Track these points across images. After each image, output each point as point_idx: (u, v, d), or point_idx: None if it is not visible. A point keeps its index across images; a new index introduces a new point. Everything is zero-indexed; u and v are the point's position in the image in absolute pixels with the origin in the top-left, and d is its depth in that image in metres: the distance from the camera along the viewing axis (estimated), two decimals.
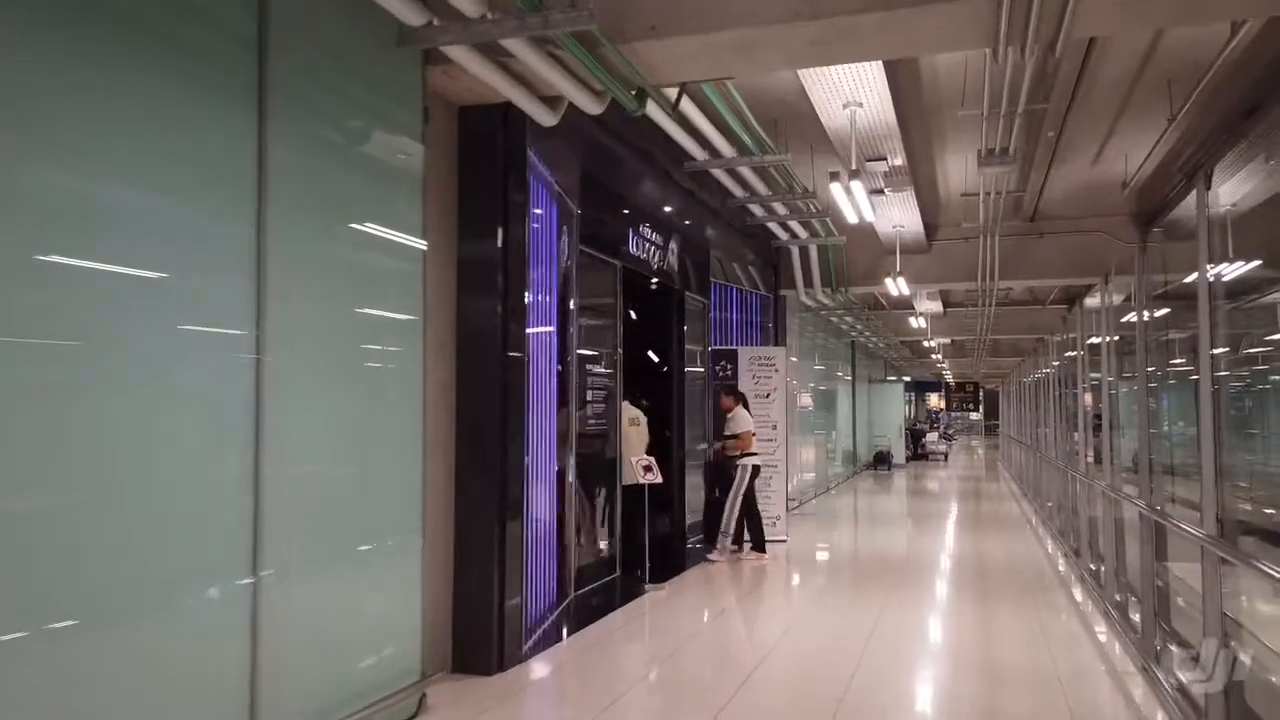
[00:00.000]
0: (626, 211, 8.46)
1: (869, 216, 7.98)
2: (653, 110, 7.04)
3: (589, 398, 7.57)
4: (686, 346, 10.32)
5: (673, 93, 6.20)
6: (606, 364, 8.01)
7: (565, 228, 7.06)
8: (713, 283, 11.27)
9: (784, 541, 10.32)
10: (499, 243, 5.26)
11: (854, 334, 19.35)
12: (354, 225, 3.99)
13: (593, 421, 7.68)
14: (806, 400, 16.31)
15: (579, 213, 7.25)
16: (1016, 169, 9.38)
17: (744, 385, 10.38)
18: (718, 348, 10.67)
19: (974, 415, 54.64)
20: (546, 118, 5.24)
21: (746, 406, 9.35)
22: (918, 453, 28.45)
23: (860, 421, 23.57)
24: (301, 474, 3.60)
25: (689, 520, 10.29)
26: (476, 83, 4.90)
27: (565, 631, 6.40)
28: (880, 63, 6.15)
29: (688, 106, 6.68)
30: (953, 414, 51.04)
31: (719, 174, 8.78)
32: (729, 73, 5.22)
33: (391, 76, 4.34)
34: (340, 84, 3.95)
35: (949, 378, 41.52)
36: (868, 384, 25.83)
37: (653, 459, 7.66)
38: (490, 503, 5.12)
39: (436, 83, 5.00)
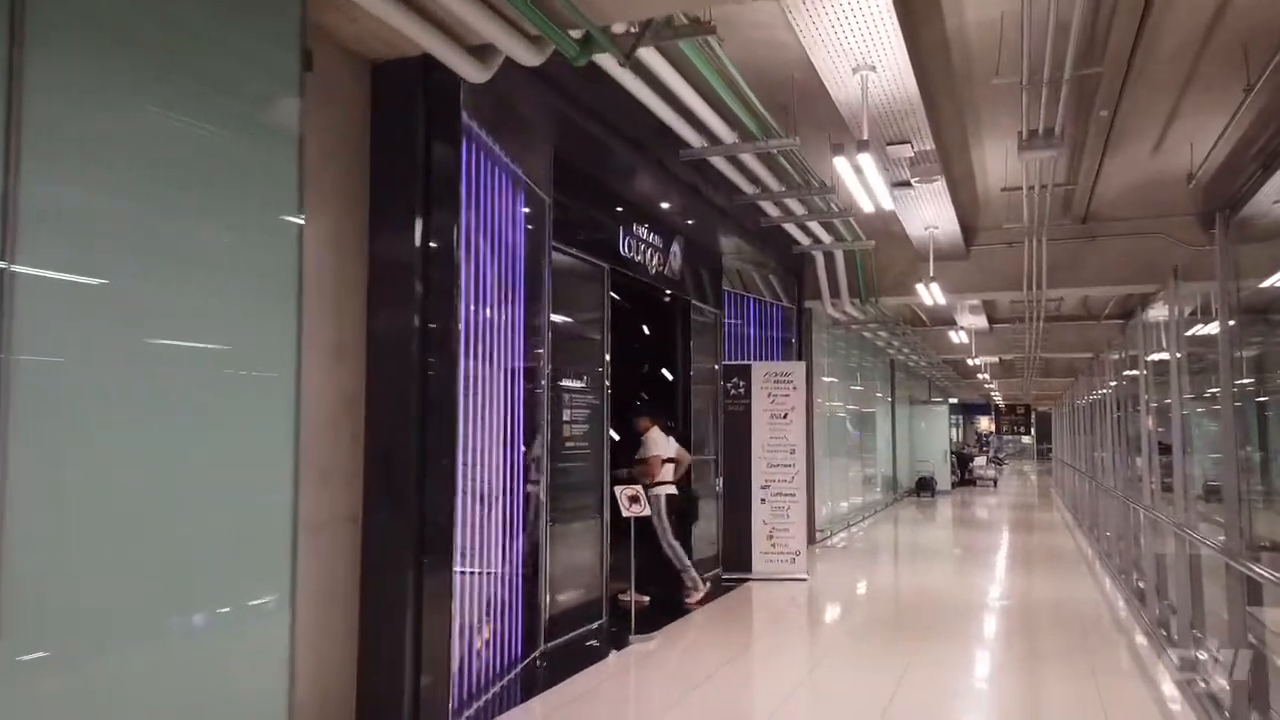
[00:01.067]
0: (616, 208, 7.50)
1: (885, 202, 6.89)
2: (634, 86, 6.11)
3: (566, 417, 6.58)
4: (695, 362, 9.30)
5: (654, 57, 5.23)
6: (591, 380, 7.02)
7: (533, 219, 6.12)
8: (727, 292, 10.26)
9: (803, 580, 9.19)
10: (419, 228, 4.31)
11: (892, 351, 18.12)
12: (177, 194, 3.05)
13: (572, 445, 6.69)
14: (840, 421, 15.15)
15: (551, 203, 6.30)
16: (1064, 155, 8.25)
17: (758, 405, 9.32)
18: (729, 363, 9.63)
19: (1025, 439, 52.64)
20: (474, 72, 4.30)
21: (667, 431, 8.13)
22: (965, 478, 26.97)
23: (901, 445, 22.25)
24: (77, 523, 2.66)
25: (695, 555, 9.21)
26: (386, 28, 3.99)
27: (525, 691, 5.40)
28: (895, 18, 5.13)
29: (672, 78, 5.72)
30: (1003, 437, 49.18)
31: (722, 166, 7.78)
32: (687, 6, 4.25)
33: (257, 4, 3.43)
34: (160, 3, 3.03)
35: (998, 400, 39.79)
36: (909, 405, 24.49)
37: (640, 489, 6.64)
38: (404, 544, 4.15)
39: (340, 30, 4.10)
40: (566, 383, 6.61)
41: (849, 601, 8.83)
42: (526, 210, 6.05)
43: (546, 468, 6.11)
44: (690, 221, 8.61)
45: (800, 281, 11.75)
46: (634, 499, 6.55)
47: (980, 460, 28.85)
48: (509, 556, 5.57)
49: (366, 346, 4.24)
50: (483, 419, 5.06)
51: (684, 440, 9.06)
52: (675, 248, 8.69)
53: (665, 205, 7.99)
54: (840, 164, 6.10)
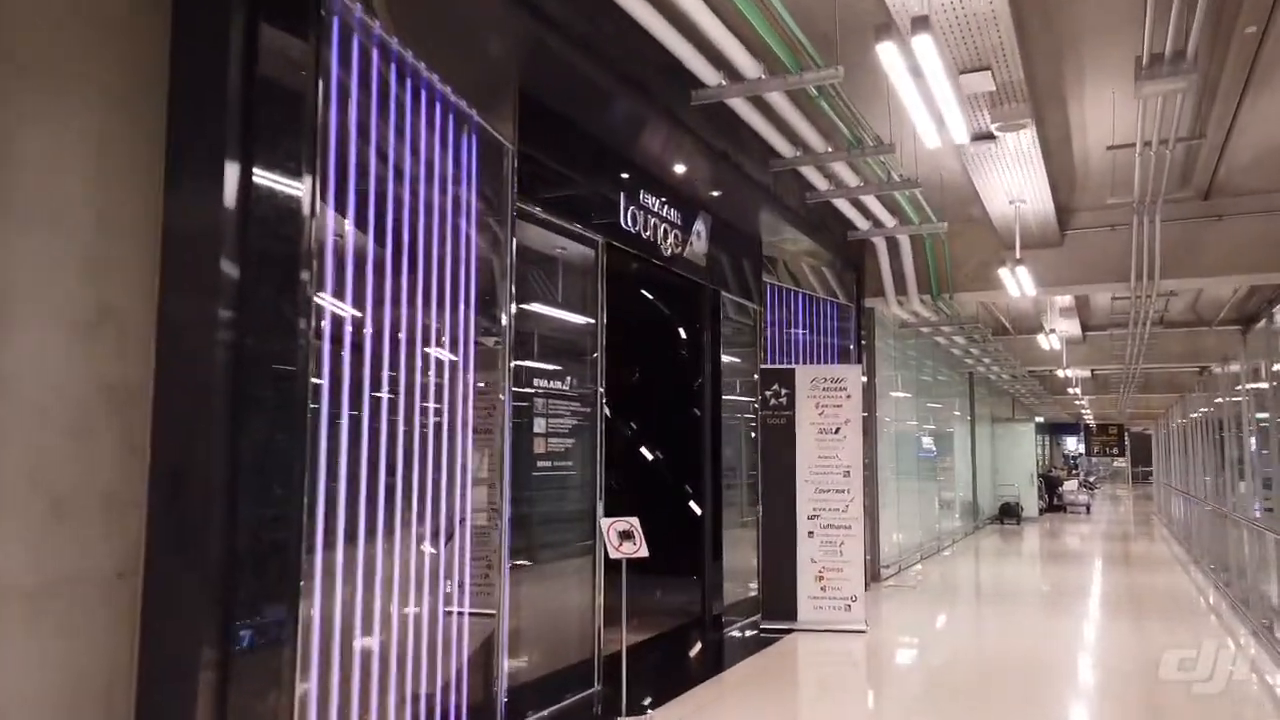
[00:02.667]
0: (613, 168, 6.03)
1: (955, 129, 5.10)
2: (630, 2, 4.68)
3: (539, 429, 5.11)
4: (726, 365, 7.73)
5: None
6: (579, 383, 5.54)
7: (488, 172, 4.68)
8: (770, 285, 8.67)
9: (861, 632, 7.49)
10: (232, 173, 2.87)
11: (970, 360, 16.19)
12: None
13: (549, 465, 5.20)
14: (911, 440, 13.34)
15: (515, 151, 4.85)
16: (1193, 93, 6.48)
17: (804, 416, 7.70)
18: (768, 367, 8.03)
19: (1118, 461, 49.29)
20: None
21: None
22: (1054, 504, 24.60)
23: (982, 467, 20.16)
24: None
25: (729, 599, 7.61)
26: None
27: None
28: None
29: None
30: (1093, 459, 46.02)
31: (753, 120, 6.25)
32: None
33: None
34: None
35: (1089, 418, 36.99)
36: (990, 424, 22.35)
37: (635, 521, 5.09)
38: (199, 607, 2.70)
39: None
40: (540, 385, 5.13)
41: (918, 662, 7.11)
42: (477, 159, 4.61)
43: (506, 492, 4.63)
44: (718, 194, 7.08)
45: (860, 275, 10.08)
46: (626, 534, 5.01)
47: (1071, 484, 26.40)
48: (434, 612, 4.10)
49: (158, 323, 2.82)
50: (381, 430, 3.61)
51: (714, 459, 7.49)
52: (699, 227, 7.17)
53: (681, 170, 6.48)
54: (888, 58, 4.42)
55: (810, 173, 7.45)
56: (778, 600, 7.68)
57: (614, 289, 6.04)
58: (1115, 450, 42.48)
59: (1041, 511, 22.65)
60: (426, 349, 4.03)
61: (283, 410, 2.91)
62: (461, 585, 4.33)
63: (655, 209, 6.47)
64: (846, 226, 9.12)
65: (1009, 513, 20.42)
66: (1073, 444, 47.33)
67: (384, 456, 3.61)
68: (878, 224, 8.93)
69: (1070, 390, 21.88)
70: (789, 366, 7.99)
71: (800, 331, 9.24)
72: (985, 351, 14.87)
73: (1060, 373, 17.40)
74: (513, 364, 4.71)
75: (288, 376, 2.93)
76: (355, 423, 3.34)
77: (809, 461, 7.67)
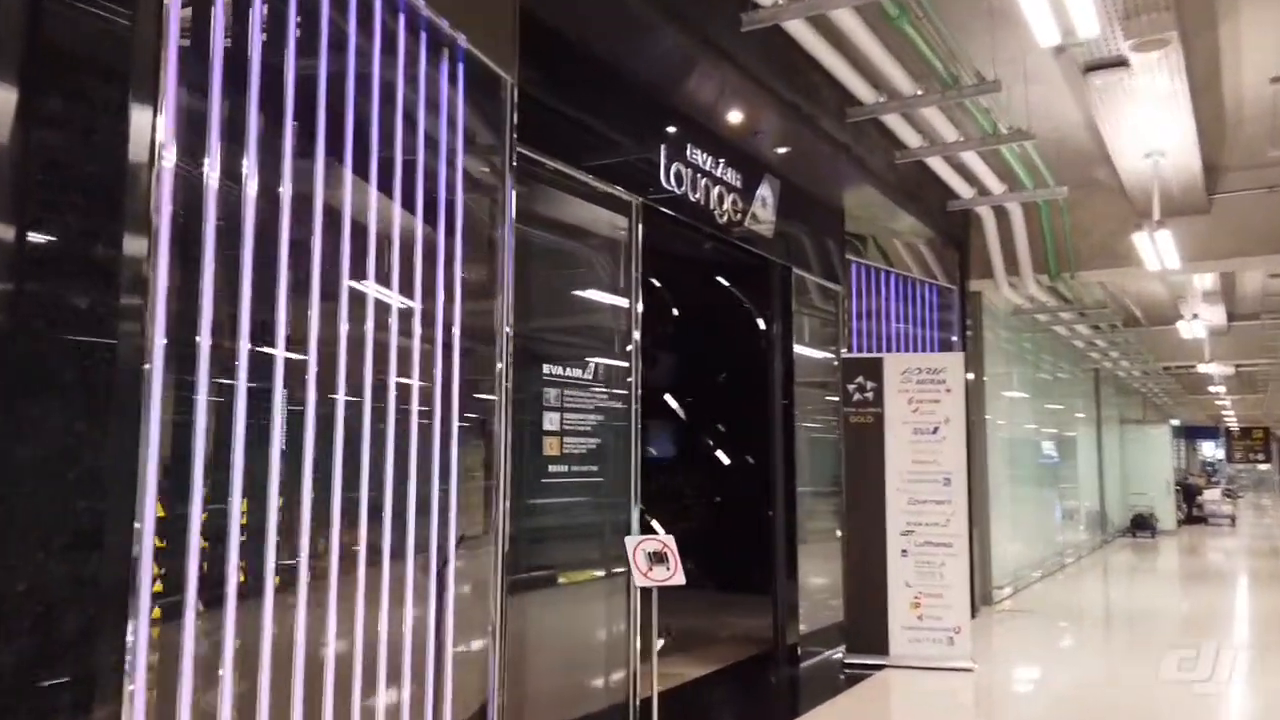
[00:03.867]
0: (654, 116, 5.06)
1: (1086, 24, 3.90)
2: None
3: (551, 425, 4.17)
4: (800, 354, 6.65)
5: None
6: (608, 372, 4.59)
7: (480, 109, 3.79)
8: (854, 264, 7.54)
9: (968, 670, 6.28)
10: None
11: (1095, 354, 14.47)
12: None
13: (565, 468, 4.26)
14: (1029, 445, 11.87)
15: (514, 85, 3.94)
16: None
17: (894, 413, 6.54)
18: (851, 356, 6.90)
19: (1262, 467, 45.34)
20: None
21: None
22: (1192, 515, 22.26)
23: (1110, 474, 18.25)
24: None
25: (807, 628, 6.52)
26: None
27: None
28: None
29: None
30: (1234, 466, 42.38)
31: (817, 50, 5.20)
32: None
33: None
34: None
35: (1230, 421, 33.88)
36: (1118, 426, 20.33)
37: (669, 541, 4.10)
38: None
39: None
40: (551, 372, 4.20)
41: (1040, 710, 5.86)
42: (465, 95, 3.73)
43: (503, 502, 3.71)
44: (786, 152, 6.02)
45: (964, 253, 8.80)
46: (658, 557, 4.03)
47: (1212, 493, 23.90)
48: (380, 655, 3.21)
49: None
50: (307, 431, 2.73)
51: (786, 462, 6.43)
52: (765, 192, 6.12)
53: (738, 119, 5.45)
54: None
55: (898, 125, 6.30)
56: (865, 630, 6.53)
57: (656, 263, 5.09)
58: (1260, 456, 38.88)
59: (1180, 523, 20.45)
60: (383, 331, 3.15)
61: (92, 396, 2.05)
62: (440, 621, 3.44)
63: (707, 168, 5.47)
64: (946, 195, 7.90)
65: (1142, 524, 18.42)
66: (1210, 449, 43.81)
67: (310, 468, 2.73)
68: (983, 191, 7.69)
69: (1211, 389, 19.68)
70: (875, 355, 6.83)
71: (894, 321, 8.05)
72: (1113, 343, 13.21)
73: (1201, 368, 15.48)
74: (510, 351, 3.79)
75: (98, 349, 2.06)
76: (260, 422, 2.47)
77: (901, 466, 6.51)
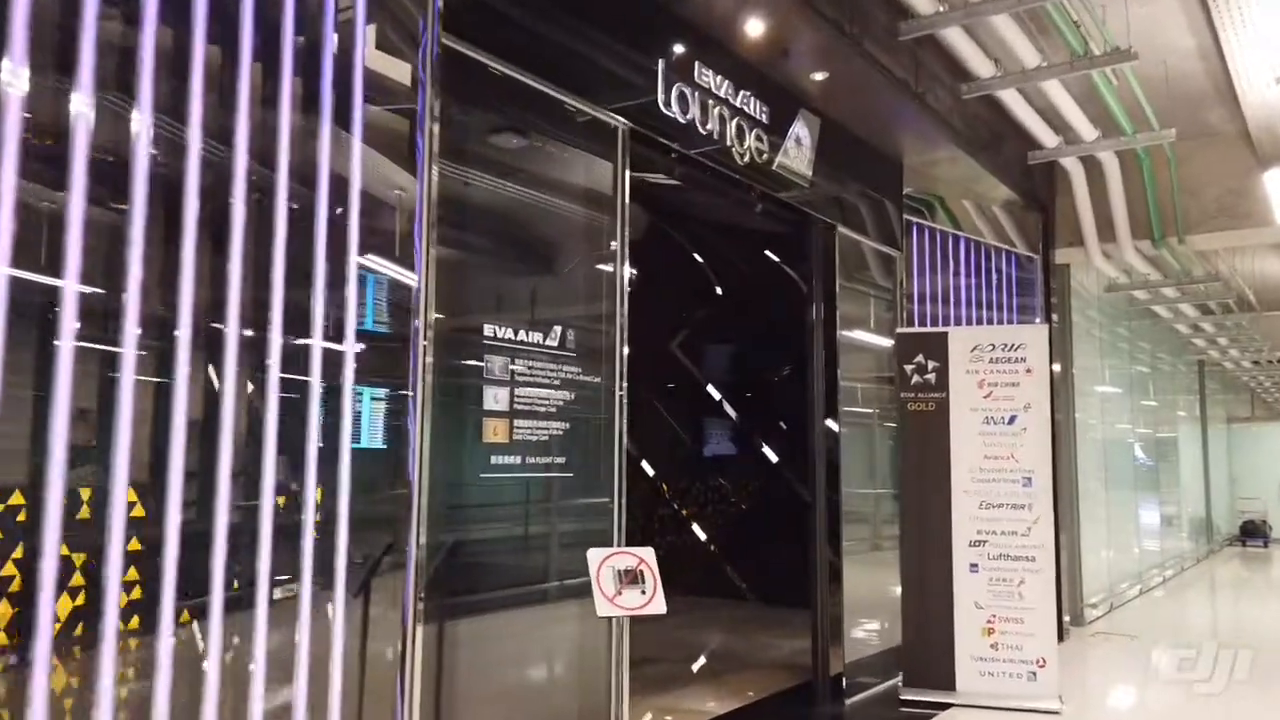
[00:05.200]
0: (647, 19, 4.07)
1: None
2: None
3: (496, 404, 3.22)
4: (845, 329, 5.59)
5: None
6: (578, 343, 3.62)
7: None
8: (914, 225, 6.42)
9: (1055, 713, 5.12)
10: None
11: (1201, 341, 12.87)
12: None
13: (514, 464, 3.31)
14: (1123, 445, 10.48)
15: None
16: None
17: (962, 399, 5.41)
18: (907, 330, 5.78)
19: None
20: None
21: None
22: None
23: (1216, 477, 16.50)
24: None
25: (853, 655, 5.44)
26: None
27: None
28: None
29: None
30: None
31: None
32: None
33: None
34: None
35: None
36: (1225, 424, 18.47)
37: (648, 555, 3.11)
38: None
39: None
40: (496, 335, 3.25)
41: None
42: None
43: (417, 508, 2.78)
44: (826, 79, 4.97)
45: (1048, 217, 7.56)
46: (631, 576, 3.04)
47: None
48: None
49: None
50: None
51: (828, 454, 5.38)
52: (799, 130, 5.08)
53: (761, 33, 4.43)
54: None
55: (964, 46, 5.17)
56: (926, 659, 5.42)
57: (654, 205, 4.13)
58: None
59: None
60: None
61: None
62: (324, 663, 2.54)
63: (722, 93, 4.45)
64: (1026, 145, 6.71)
65: (1253, 532, 16.61)
66: None
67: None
68: (1071, 138, 6.48)
69: None
70: (939, 330, 5.70)
71: (964, 296, 6.90)
72: (1222, 328, 11.66)
73: None
74: (429, 318, 2.87)
75: None
76: None
77: (970, 463, 5.38)
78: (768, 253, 7.18)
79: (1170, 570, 11.96)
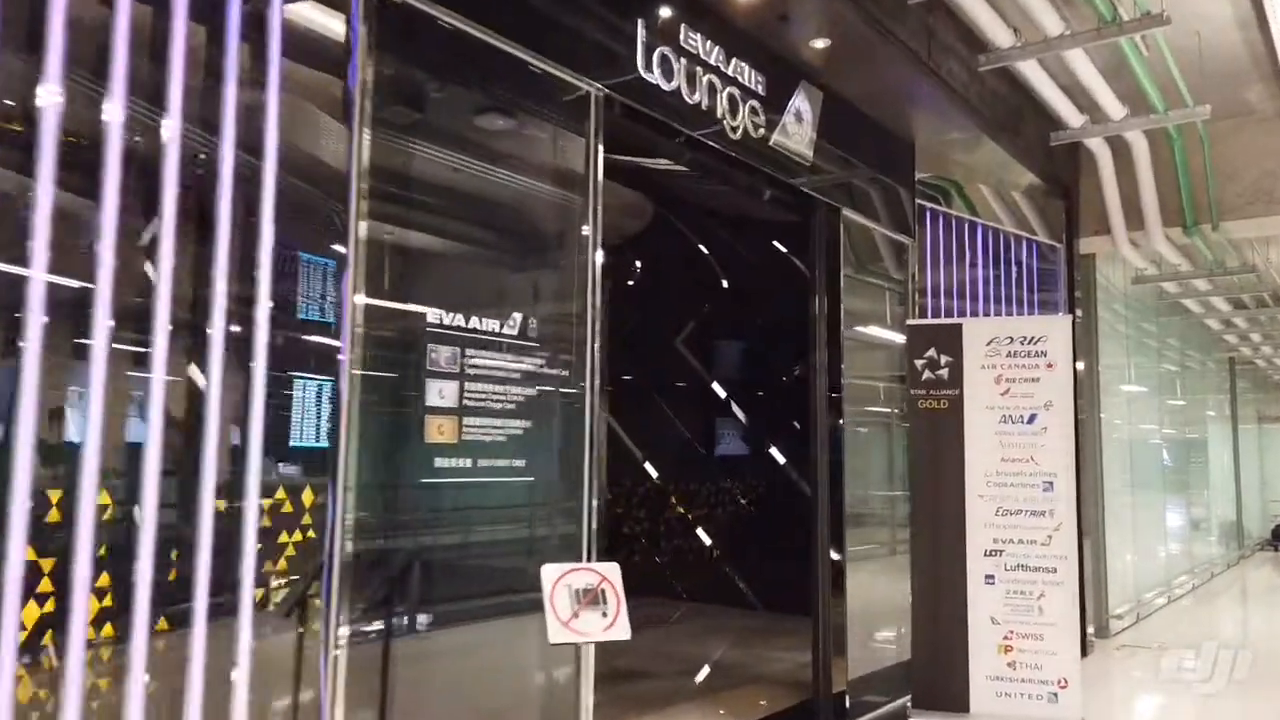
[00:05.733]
0: None
1: None
2: None
3: (441, 399, 2.85)
4: (850, 320, 5.18)
5: None
6: (540, 330, 3.25)
7: None
8: (927, 210, 6.01)
9: None
10: None
11: (1232, 337, 12.33)
12: None
13: (461, 469, 2.93)
14: (1151, 447, 10.00)
15: None
16: None
17: (977, 396, 4.99)
18: (918, 322, 5.36)
19: None
20: None
21: None
22: None
23: (1248, 479, 15.91)
24: None
25: (859, 670, 5.04)
26: None
27: None
28: None
29: None
30: None
31: None
32: None
33: None
34: None
35: None
36: (1257, 425, 17.86)
37: (611, 572, 2.73)
38: None
39: None
40: (443, 323, 2.88)
41: None
42: None
43: (340, 517, 2.43)
44: (829, 48, 4.57)
45: (1072, 204, 7.11)
46: (591, 596, 2.67)
47: None
48: None
49: None
50: None
51: (833, 455, 4.98)
52: (800, 104, 4.68)
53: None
54: None
55: (981, 12, 4.76)
56: (937, 677, 5.00)
57: (651, 189, 3.76)
58: None
59: None
60: None
61: None
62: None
63: (712, 60, 4.07)
64: (1049, 124, 6.28)
65: None
66: None
67: None
68: (1098, 117, 6.04)
69: None
70: (953, 321, 5.28)
71: (981, 288, 6.49)
72: (1255, 324, 11.13)
73: None
74: (360, 298, 2.52)
75: None
76: None
77: (986, 466, 4.95)
78: (775, 243, 6.80)
79: (1200, 577, 11.45)
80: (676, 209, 7.96)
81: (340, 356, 2.47)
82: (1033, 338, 4.93)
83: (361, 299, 2.54)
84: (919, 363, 5.12)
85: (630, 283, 9.90)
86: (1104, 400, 7.81)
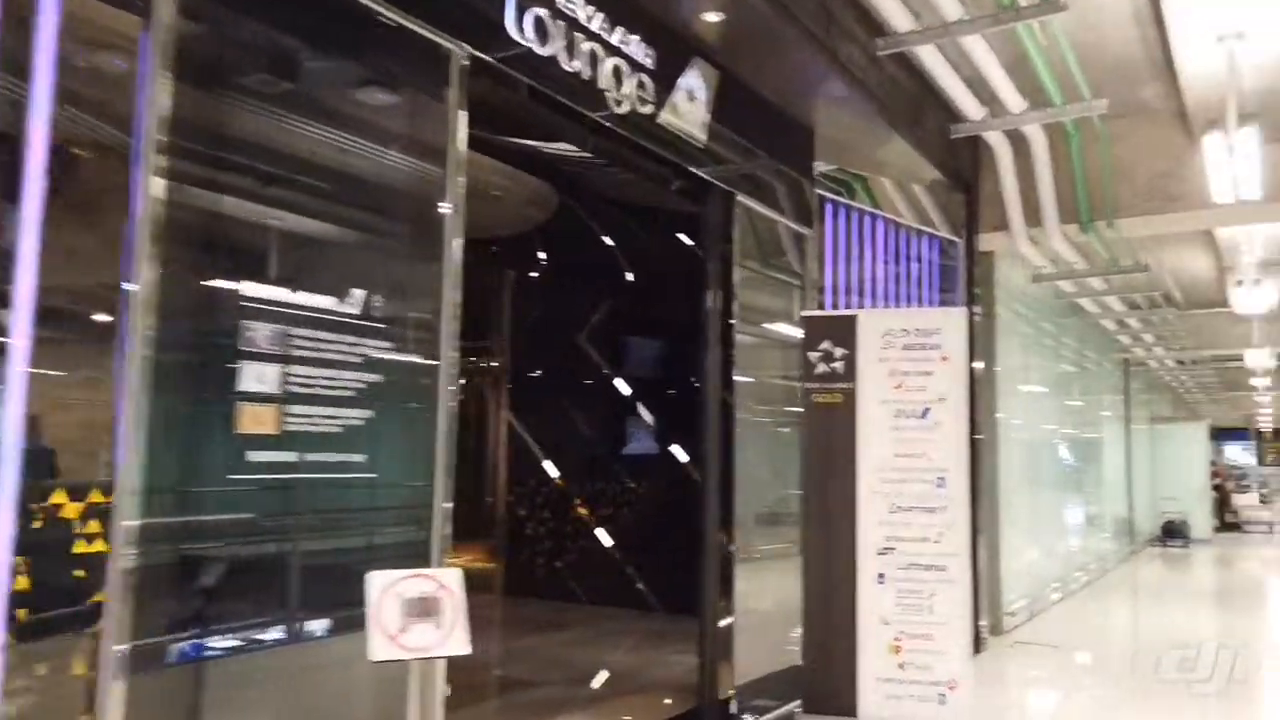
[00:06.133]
0: None
1: None
2: None
3: (261, 386, 2.51)
4: (746, 314, 4.97)
5: None
6: (375, 321, 2.92)
7: None
8: (827, 201, 5.86)
9: None
10: None
11: (1126, 338, 12.64)
12: None
13: (282, 464, 2.60)
14: (1048, 447, 10.14)
15: None
16: None
17: (870, 390, 4.85)
18: (814, 314, 5.19)
19: None
20: None
21: None
22: (1225, 522, 20.40)
23: (1139, 477, 16.44)
24: None
25: (747, 676, 4.83)
26: None
27: None
28: None
29: None
30: (1265, 469, 40.35)
31: None
32: None
33: None
34: None
35: (1265, 421, 31.93)
36: (1148, 425, 18.50)
37: (450, 580, 2.45)
38: None
39: None
40: (260, 299, 2.54)
41: None
42: None
43: (121, 522, 2.07)
44: (723, 23, 4.35)
45: (972, 199, 7.08)
46: (425, 606, 2.37)
47: (1248, 499, 22.05)
48: None
49: None
50: None
51: (723, 449, 4.77)
52: (692, 82, 4.45)
53: None
54: None
55: None
56: (828, 680, 4.85)
57: (532, 166, 3.47)
58: None
59: (1215, 530, 18.59)
60: None
61: None
62: None
63: (594, 27, 3.80)
64: (950, 117, 6.21)
65: (1174, 532, 16.59)
66: (1235, 452, 41.75)
67: None
68: (998, 110, 5.98)
69: (1254, 381, 17.81)
70: (848, 313, 5.14)
71: (881, 281, 6.38)
72: (1148, 324, 11.42)
73: (1249, 354, 13.64)
74: (151, 267, 2.17)
75: None
76: None
77: (879, 461, 4.82)
78: (679, 234, 6.58)
79: (1094, 573, 11.70)
80: (580, 197, 7.69)
81: (123, 335, 2.12)
82: (927, 330, 4.82)
83: (155, 269, 2.19)
84: (814, 355, 4.96)
85: (534, 275, 9.58)
86: (1002, 401, 7.83)
